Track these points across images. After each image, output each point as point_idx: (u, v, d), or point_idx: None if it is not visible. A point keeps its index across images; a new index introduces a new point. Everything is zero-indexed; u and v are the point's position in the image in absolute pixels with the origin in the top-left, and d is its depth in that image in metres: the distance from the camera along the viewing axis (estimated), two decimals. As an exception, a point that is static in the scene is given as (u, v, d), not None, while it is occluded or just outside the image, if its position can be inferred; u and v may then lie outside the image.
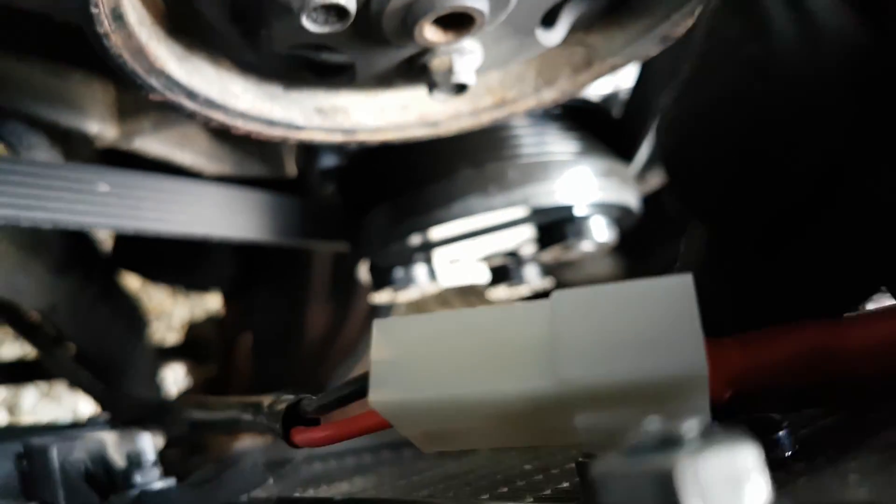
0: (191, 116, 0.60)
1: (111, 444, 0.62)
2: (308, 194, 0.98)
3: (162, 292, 1.84)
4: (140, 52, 0.52)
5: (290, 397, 0.44)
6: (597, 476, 0.22)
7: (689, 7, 0.60)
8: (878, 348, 0.27)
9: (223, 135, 0.92)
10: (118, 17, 0.48)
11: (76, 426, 0.72)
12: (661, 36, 0.63)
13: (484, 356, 0.30)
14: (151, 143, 0.86)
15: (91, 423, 0.73)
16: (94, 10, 0.47)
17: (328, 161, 0.91)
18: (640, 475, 0.21)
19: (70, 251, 1.08)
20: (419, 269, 0.86)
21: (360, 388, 0.35)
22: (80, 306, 1.14)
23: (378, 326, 0.33)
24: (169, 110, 0.81)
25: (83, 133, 0.80)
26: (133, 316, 1.30)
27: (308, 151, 0.92)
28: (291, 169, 0.99)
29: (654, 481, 0.20)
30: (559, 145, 0.82)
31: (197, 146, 0.91)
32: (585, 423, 0.30)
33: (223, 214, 0.86)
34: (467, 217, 0.78)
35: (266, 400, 0.46)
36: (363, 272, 0.89)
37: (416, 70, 0.59)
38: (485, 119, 0.69)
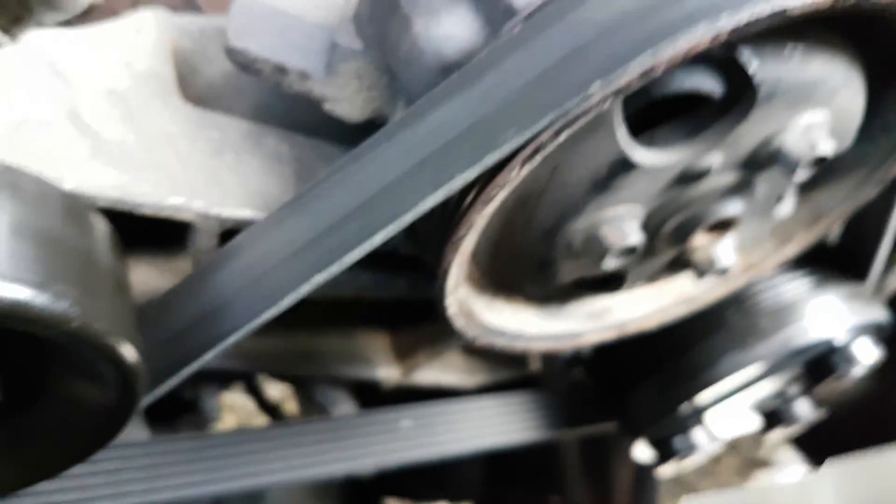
0: (498, 351, 0.80)
1: None
2: (552, 384, 1.15)
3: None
4: (469, 315, 0.73)
5: None
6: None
7: (900, 152, 0.76)
8: None
9: (474, 351, 1.13)
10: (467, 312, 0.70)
11: None
12: (878, 180, 0.79)
13: None
14: (423, 375, 1.07)
15: None
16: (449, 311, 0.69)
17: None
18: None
19: (345, 487, 1.29)
20: (698, 434, 1.00)
21: None
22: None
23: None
24: (439, 343, 1.04)
25: (374, 381, 1.02)
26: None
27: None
28: (535, 365, 1.18)
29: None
30: (796, 286, 0.97)
31: (456, 367, 1.12)
32: None
33: (498, 423, 1.04)
34: (732, 375, 0.93)
35: None
36: (638, 450, 1.05)
37: (679, 265, 0.78)
38: (736, 284, 0.86)
